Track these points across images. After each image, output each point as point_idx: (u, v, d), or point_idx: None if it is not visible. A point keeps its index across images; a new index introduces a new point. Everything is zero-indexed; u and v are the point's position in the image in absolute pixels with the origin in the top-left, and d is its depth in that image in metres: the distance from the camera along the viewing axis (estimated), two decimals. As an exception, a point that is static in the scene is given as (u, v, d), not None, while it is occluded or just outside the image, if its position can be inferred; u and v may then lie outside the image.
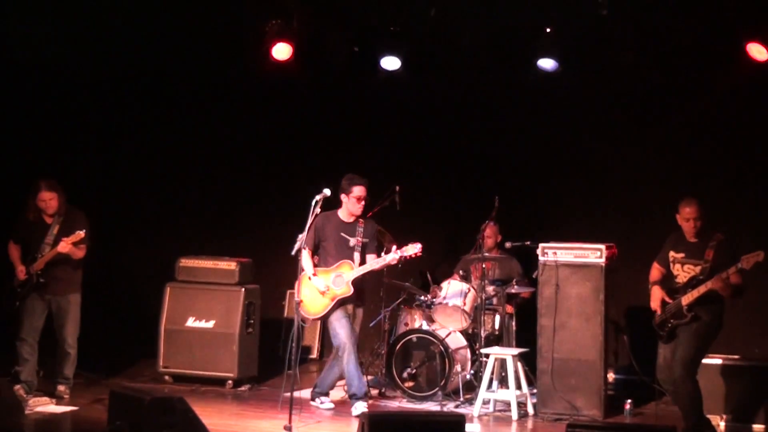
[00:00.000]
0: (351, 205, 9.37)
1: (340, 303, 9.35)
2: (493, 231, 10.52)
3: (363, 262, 9.42)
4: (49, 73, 11.66)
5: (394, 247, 9.43)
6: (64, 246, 9.24)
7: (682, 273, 8.40)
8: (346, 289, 9.32)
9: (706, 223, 8.43)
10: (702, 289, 8.16)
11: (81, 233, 9.25)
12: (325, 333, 12.07)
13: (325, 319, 9.42)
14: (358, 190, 9.33)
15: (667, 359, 8.47)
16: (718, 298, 8.28)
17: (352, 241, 9.40)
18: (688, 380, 8.32)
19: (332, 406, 9.56)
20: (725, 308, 8.40)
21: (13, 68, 11.48)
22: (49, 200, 9.41)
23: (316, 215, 8.71)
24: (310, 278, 9.31)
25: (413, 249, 9.34)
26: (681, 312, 8.29)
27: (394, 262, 9.40)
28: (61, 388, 9.53)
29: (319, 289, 9.29)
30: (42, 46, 11.13)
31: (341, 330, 9.32)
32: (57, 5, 10.73)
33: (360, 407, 9.18)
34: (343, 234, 9.40)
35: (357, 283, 9.37)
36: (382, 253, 9.49)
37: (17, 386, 9.18)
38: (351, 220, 9.44)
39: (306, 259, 9.26)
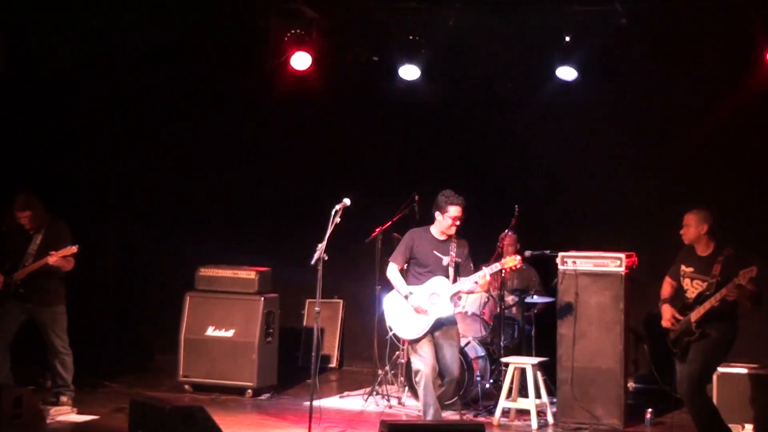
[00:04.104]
0: (445, 224, 8.72)
1: (439, 323, 8.68)
2: (511, 240, 10.49)
3: (456, 282, 8.78)
4: (72, 83, 11.75)
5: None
6: (54, 259, 9.16)
7: (692, 288, 8.32)
8: (447, 308, 8.78)
9: (715, 238, 8.31)
10: (708, 305, 8.09)
11: (73, 248, 9.17)
12: (345, 342, 12.13)
13: (418, 341, 8.69)
14: (455, 210, 8.67)
15: (683, 375, 8.41)
16: (728, 313, 8.19)
17: (446, 260, 8.75)
18: (695, 397, 8.21)
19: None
20: (737, 323, 8.30)
21: (36, 79, 11.57)
22: (24, 218, 9.35)
23: (338, 219, 8.48)
24: (406, 298, 8.74)
25: (513, 261, 8.73)
26: (690, 329, 8.23)
27: (485, 279, 8.67)
28: (63, 399, 9.42)
29: (421, 307, 8.65)
30: (64, 57, 11.21)
31: (423, 354, 8.65)
32: (78, 16, 10.79)
33: None
34: (436, 252, 8.77)
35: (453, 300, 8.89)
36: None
37: None
38: (444, 238, 8.81)
39: (398, 276, 8.80)
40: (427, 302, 8.66)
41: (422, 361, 8.59)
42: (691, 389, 8.21)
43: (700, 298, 8.19)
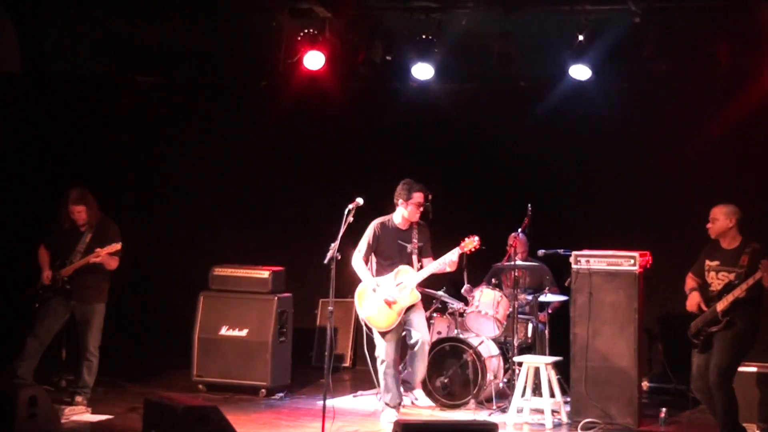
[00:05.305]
0: (410, 211, 9.31)
1: (407, 311, 9.33)
2: (522, 243, 10.47)
3: (421, 266, 9.37)
4: (88, 84, 11.79)
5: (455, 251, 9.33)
6: (100, 257, 9.29)
7: (717, 281, 8.38)
8: (414, 296, 9.30)
9: (742, 232, 8.40)
10: (737, 292, 8.16)
11: (117, 245, 9.31)
12: (358, 341, 12.13)
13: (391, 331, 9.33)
14: (419, 197, 9.27)
15: (701, 368, 8.43)
16: (752, 303, 8.25)
17: (409, 247, 9.35)
18: (723, 388, 8.28)
19: (429, 403, 9.77)
20: (760, 315, 8.36)
21: (54, 78, 11.63)
22: (77, 212, 9.46)
23: (352, 219, 8.62)
24: (374, 290, 9.27)
25: (472, 243, 9.28)
26: (716, 318, 8.27)
27: (455, 259, 9.29)
28: (78, 399, 9.46)
29: (387, 299, 9.21)
30: (78, 57, 11.26)
31: (389, 342, 9.31)
32: (92, 16, 10.81)
33: (389, 414, 9.23)
34: (400, 241, 9.36)
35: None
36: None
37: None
38: (406, 226, 9.40)
39: (365, 270, 9.32)
40: (395, 292, 9.21)
41: (386, 350, 9.24)
42: (720, 380, 8.25)
43: (728, 287, 8.24)
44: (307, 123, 12.05)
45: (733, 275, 8.27)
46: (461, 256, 9.38)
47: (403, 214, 9.35)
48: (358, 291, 9.41)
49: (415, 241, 9.36)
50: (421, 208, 9.31)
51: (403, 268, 9.30)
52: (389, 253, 9.35)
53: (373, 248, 9.36)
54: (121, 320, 9.91)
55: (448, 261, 9.27)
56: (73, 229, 9.55)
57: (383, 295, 9.24)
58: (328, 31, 10.55)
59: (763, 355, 9.23)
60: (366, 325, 9.47)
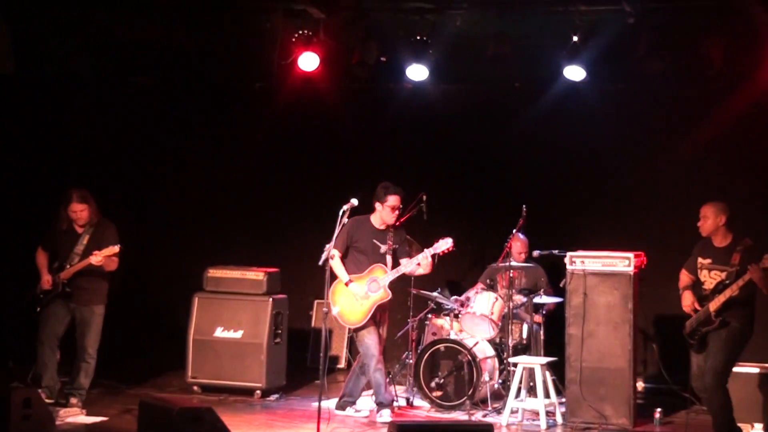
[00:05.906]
0: (385, 214, 9.35)
1: (379, 309, 9.37)
2: (523, 244, 10.48)
3: (395, 267, 9.41)
4: (83, 85, 11.78)
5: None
6: (97, 259, 9.27)
7: (709, 279, 8.39)
8: (384, 294, 9.32)
9: (732, 230, 8.41)
10: (728, 293, 8.16)
11: (115, 248, 9.29)
12: (353, 343, 12.12)
13: (363, 328, 9.37)
14: (393, 200, 9.32)
15: (701, 368, 8.44)
16: (746, 302, 8.26)
17: (383, 248, 9.40)
18: (718, 389, 8.28)
19: (365, 414, 9.59)
20: (755, 313, 8.37)
21: (49, 79, 11.63)
22: (80, 211, 9.45)
23: (347, 220, 8.71)
24: (347, 284, 9.32)
25: (445, 245, 9.30)
26: (709, 318, 8.28)
27: (428, 260, 9.32)
28: (73, 401, 9.43)
29: (359, 295, 9.26)
30: (72, 58, 11.25)
31: (370, 340, 9.34)
32: (86, 17, 10.81)
33: (385, 414, 9.24)
34: (374, 240, 9.39)
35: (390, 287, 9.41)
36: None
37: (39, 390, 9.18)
38: (383, 227, 9.44)
39: (339, 265, 9.32)
40: (365, 289, 9.28)
41: (371, 349, 9.32)
42: (716, 381, 8.26)
43: (719, 287, 8.25)
44: (302, 124, 12.04)
45: (725, 274, 8.27)
46: (434, 257, 9.37)
47: (381, 216, 9.38)
48: (332, 288, 9.37)
49: (390, 242, 9.40)
50: (396, 212, 9.35)
51: (376, 267, 9.33)
52: (362, 251, 9.37)
53: (347, 243, 9.36)
54: (115, 322, 9.89)
55: (421, 261, 9.30)
56: (71, 230, 9.52)
57: (353, 293, 9.27)
58: (323, 33, 10.55)
59: (763, 355, 9.25)
60: (339, 321, 9.46)
